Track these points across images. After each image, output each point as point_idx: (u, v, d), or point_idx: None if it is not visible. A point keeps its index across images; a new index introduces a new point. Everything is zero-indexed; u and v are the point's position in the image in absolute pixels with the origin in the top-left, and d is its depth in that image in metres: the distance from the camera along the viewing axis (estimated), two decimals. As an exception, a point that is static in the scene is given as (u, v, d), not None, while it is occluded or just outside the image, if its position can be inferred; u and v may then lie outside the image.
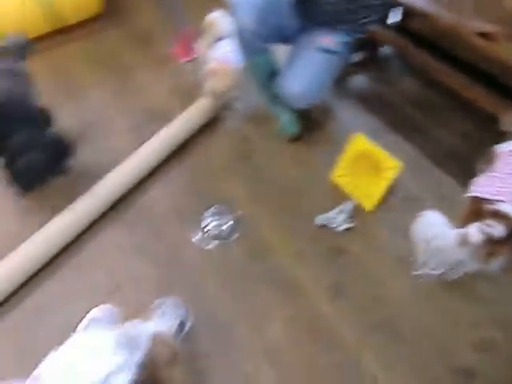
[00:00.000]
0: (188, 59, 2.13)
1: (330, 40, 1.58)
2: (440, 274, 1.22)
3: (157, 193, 1.59)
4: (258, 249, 1.42)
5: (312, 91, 1.58)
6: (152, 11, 2.51)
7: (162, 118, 1.74)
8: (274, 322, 1.25)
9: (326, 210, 1.47)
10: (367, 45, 2.03)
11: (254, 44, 1.59)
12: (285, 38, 1.69)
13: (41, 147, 1.34)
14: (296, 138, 1.74)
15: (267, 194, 1.57)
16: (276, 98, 1.74)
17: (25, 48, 1.60)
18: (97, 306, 1.21)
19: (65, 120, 1.75)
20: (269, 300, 1.30)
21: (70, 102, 1.95)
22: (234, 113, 1.88)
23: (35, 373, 0.77)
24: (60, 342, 0.83)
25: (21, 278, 1.31)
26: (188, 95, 1.86)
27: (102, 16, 2.43)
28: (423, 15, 1.71)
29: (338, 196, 1.53)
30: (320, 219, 1.45)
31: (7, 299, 1.29)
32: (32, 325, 1.25)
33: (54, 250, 1.37)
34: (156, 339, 0.89)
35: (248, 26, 1.53)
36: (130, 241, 1.45)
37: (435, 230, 1.13)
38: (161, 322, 1.04)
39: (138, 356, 0.83)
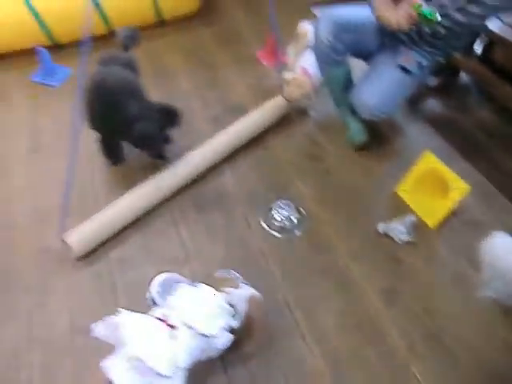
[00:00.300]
0: (273, 63, 2.27)
1: (410, 60, 1.66)
2: (501, 299, 1.25)
3: (229, 178, 1.73)
4: (320, 245, 1.52)
5: (383, 105, 1.66)
6: (244, 13, 2.69)
7: (240, 112, 1.89)
8: (328, 312, 1.34)
9: (388, 220, 1.54)
10: (447, 70, 2.08)
11: (330, 57, 1.69)
12: (362, 53, 1.79)
13: (151, 116, 1.51)
14: (363, 147, 1.83)
15: (333, 196, 1.67)
16: (347, 108, 1.83)
17: (135, 39, 1.80)
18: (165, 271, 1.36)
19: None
20: (325, 292, 1.39)
21: (161, 86, 2.14)
22: (308, 118, 2.00)
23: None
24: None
25: (108, 232, 1.50)
26: (267, 96, 1.98)
27: (197, 14, 2.62)
28: (508, 46, 1.75)
29: (400, 208, 1.61)
30: (382, 227, 1.52)
31: (95, 249, 1.47)
32: (112, 274, 1.43)
33: (132, 216, 1.54)
34: (251, 301, 1.08)
35: (325, 39, 1.64)
36: (200, 217, 1.59)
37: (504, 254, 1.17)
38: (246, 288, 1.17)
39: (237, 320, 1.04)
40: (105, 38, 2.42)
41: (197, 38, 2.50)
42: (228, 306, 1.05)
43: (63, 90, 2.13)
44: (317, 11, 2.67)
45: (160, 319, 0.99)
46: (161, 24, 2.55)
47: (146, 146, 1.62)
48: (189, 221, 1.58)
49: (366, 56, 1.80)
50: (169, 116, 1.59)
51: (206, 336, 1.00)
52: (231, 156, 1.80)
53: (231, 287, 1.11)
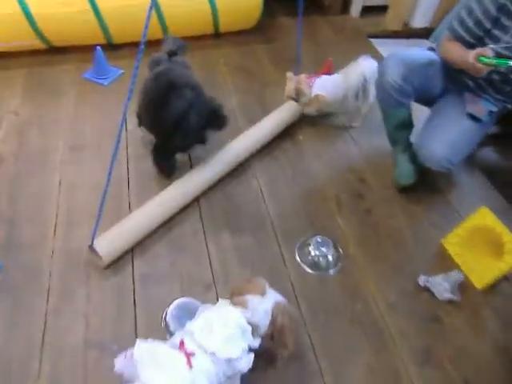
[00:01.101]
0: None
1: (480, 107, 1.56)
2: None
3: (268, 204, 1.66)
4: (355, 289, 1.42)
5: (453, 156, 1.54)
6: (295, 35, 2.65)
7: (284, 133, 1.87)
8: (355, 366, 1.24)
9: (431, 273, 1.43)
10: (507, 117, 1.96)
11: (394, 99, 1.60)
12: (425, 98, 1.71)
13: (201, 110, 1.53)
14: (407, 189, 1.73)
15: (373, 239, 1.58)
16: (402, 147, 1.75)
17: (182, 48, 1.81)
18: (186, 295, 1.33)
19: None
20: (355, 342, 1.29)
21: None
22: (354, 149, 1.92)
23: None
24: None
25: (137, 240, 1.47)
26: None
27: (253, 30, 2.61)
28: None
29: (445, 262, 1.50)
30: (423, 280, 1.42)
31: (121, 258, 1.42)
32: (134, 288, 1.37)
33: (159, 220, 1.52)
34: (277, 309, 1.05)
35: (393, 81, 1.55)
36: (232, 241, 1.53)
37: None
38: (272, 294, 1.12)
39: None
40: (158, 43, 2.45)
41: (250, 53, 2.48)
42: (248, 326, 1.00)
43: (112, 90, 2.14)
44: (376, 44, 2.62)
45: (178, 346, 0.94)
46: (216, 36, 2.55)
47: (180, 136, 1.56)
48: (220, 243, 1.52)
49: (428, 101, 1.72)
50: (216, 118, 1.61)
51: (226, 360, 0.95)
52: (272, 181, 1.74)
53: (257, 294, 1.07)
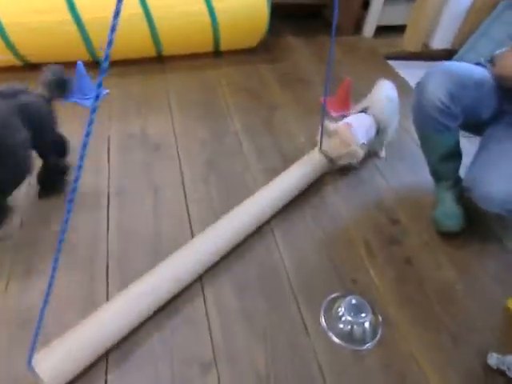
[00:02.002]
0: (338, 114, 1.92)
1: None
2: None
3: (283, 255, 1.32)
4: (400, 369, 1.06)
5: None
6: (304, 53, 2.40)
7: (292, 163, 1.52)
8: None
9: (504, 349, 1.09)
10: None
11: (438, 122, 1.30)
12: (475, 122, 1.38)
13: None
14: (450, 234, 1.41)
15: (417, 297, 1.23)
16: (446, 182, 1.44)
17: (62, 87, 1.37)
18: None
19: (203, 136, 1.72)
20: None
21: (210, 121, 1.82)
22: (382, 186, 1.60)
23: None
24: None
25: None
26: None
27: (256, 50, 2.35)
28: None
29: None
30: (495, 360, 1.06)
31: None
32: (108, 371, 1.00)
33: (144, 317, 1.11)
34: None
35: (437, 100, 1.25)
36: (239, 305, 1.17)
37: None
38: None
39: None
40: (153, 60, 2.18)
41: (254, 73, 2.20)
42: None
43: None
44: (395, 66, 2.36)
45: None
46: (216, 54, 2.28)
47: None
48: (224, 309, 1.16)
49: (477, 126, 1.40)
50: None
51: None
52: (287, 223, 1.40)
53: None
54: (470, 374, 1.06)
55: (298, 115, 1.92)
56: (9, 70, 2.01)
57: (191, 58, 2.23)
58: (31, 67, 2.04)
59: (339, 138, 1.49)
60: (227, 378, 1.01)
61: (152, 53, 2.15)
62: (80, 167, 0.73)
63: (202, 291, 1.19)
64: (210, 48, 2.23)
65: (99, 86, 0.69)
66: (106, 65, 0.68)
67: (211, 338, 1.09)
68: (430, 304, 1.22)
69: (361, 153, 1.51)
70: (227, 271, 1.25)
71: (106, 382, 0.98)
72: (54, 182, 1.45)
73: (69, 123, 1.77)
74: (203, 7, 1.98)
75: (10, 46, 1.85)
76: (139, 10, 1.89)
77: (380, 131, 1.61)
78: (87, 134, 0.72)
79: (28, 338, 0.87)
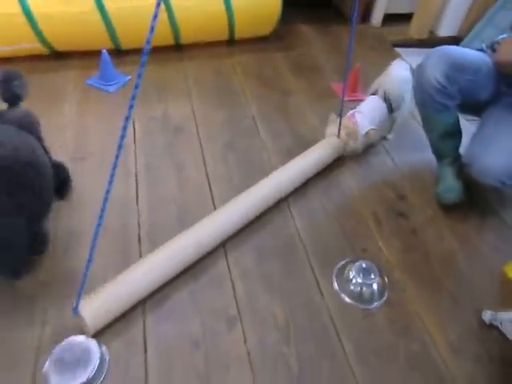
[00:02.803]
0: (349, 99, 2.02)
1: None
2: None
3: (298, 224, 1.44)
4: (407, 326, 1.19)
5: None
6: (321, 43, 2.49)
7: (308, 145, 1.63)
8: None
9: (496, 306, 1.20)
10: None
11: (436, 101, 1.40)
12: (473, 102, 1.48)
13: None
14: (453, 208, 1.52)
15: (421, 263, 1.35)
16: (447, 159, 1.55)
17: (22, 87, 1.23)
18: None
19: (221, 120, 1.83)
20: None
21: (226, 107, 1.94)
22: (390, 164, 1.71)
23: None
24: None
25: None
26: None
27: (269, 38, 2.45)
28: None
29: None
30: (489, 316, 1.18)
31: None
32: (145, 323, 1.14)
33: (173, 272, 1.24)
34: None
35: (434, 80, 1.35)
36: (258, 268, 1.30)
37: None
38: None
39: None
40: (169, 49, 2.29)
41: (268, 61, 2.30)
42: None
43: (118, 97, 1.95)
44: (402, 53, 2.45)
45: None
46: (230, 43, 2.38)
47: None
48: (245, 271, 1.29)
49: (475, 107, 1.51)
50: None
51: None
52: (301, 200, 1.52)
53: None
54: (467, 328, 1.18)
55: (310, 100, 2.03)
56: (36, 58, 2.13)
57: (207, 47, 2.34)
58: (56, 56, 2.16)
59: (344, 128, 1.60)
60: (251, 329, 1.14)
61: (170, 41, 2.25)
62: (120, 147, 0.85)
63: (226, 256, 1.32)
64: (225, 36, 2.33)
65: (139, 76, 0.83)
66: (144, 59, 0.82)
67: (235, 296, 1.22)
68: (433, 270, 1.34)
69: (359, 148, 1.64)
70: (248, 240, 1.37)
71: (144, 323, 1.13)
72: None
73: (93, 108, 1.91)
74: (219, -4, 2.09)
75: (39, 34, 1.97)
76: None
77: (392, 110, 1.70)
78: (126, 119, 0.85)
79: (74, 293, 1.02)
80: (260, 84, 2.12)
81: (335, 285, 1.27)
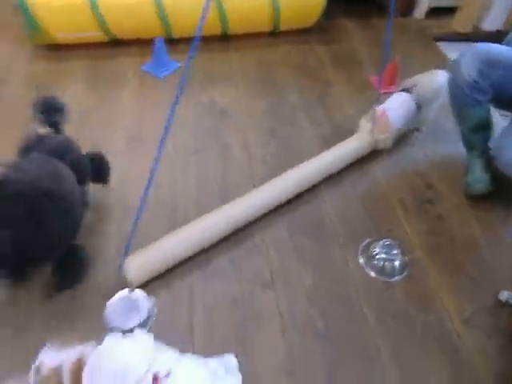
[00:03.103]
0: (386, 91, 2.10)
1: None
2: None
3: (329, 206, 1.57)
4: (424, 299, 1.30)
5: None
6: (360, 36, 2.57)
7: (346, 135, 1.74)
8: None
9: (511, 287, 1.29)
10: None
11: (469, 96, 1.47)
12: (505, 99, 1.54)
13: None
14: (479, 199, 1.59)
15: (444, 246, 1.45)
16: (476, 151, 1.62)
17: (61, 113, 1.34)
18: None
19: (264, 108, 1.97)
20: (427, 360, 1.16)
21: (268, 96, 2.08)
22: (420, 155, 1.80)
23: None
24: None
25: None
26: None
27: (312, 31, 2.54)
28: None
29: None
30: (505, 296, 1.28)
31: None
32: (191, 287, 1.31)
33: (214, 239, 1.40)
34: None
35: (467, 75, 1.43)
36: (290, 242, 1.44)
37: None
38: None
39: None
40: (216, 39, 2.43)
41: (311, 53, 2.41)
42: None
43: (167, 83, 2.12)
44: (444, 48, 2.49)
45: None
46: (273, 35, 2.50)
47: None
48: (278, 245, 1.43)
49: (509, 104, 1.56)
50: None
51: None
52: (333, 186, 1.64)
53: None
54: (482, 306, 1.28)
55: (349, 92, 2.12)
56: (95, 45, 2.34)
57: (252, 38, 2.47)
58: (114, 43, 2.36)
59: (377, 125, 1.69)
60: (283, 293, 1.29)
61: (218, 31, 2.40)
62: (167, 129, 1.00)
63: (262, 231, 1.47)
64: (270, 28, 2.45)
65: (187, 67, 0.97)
66: (193, 53, 0.96)
67: (269, 264, 1.37)
68: (455, 254, 1.43)
69: (391, 142, 1.72)
70: (282, 218, 1.52)
71: (191, 279, 1.31)
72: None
73: (148, 93, 2.09)
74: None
75: (102, 22, 2.18)
76: (211, -7, 2.14)
77: (420, 110, 1.78)
78: (176, 102, 1.00)
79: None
80: (301, 75, 2.24)
81: (360, 260, 1.39)
